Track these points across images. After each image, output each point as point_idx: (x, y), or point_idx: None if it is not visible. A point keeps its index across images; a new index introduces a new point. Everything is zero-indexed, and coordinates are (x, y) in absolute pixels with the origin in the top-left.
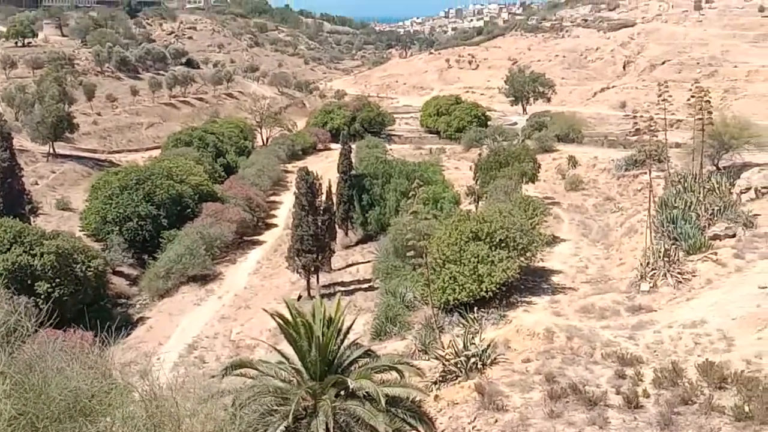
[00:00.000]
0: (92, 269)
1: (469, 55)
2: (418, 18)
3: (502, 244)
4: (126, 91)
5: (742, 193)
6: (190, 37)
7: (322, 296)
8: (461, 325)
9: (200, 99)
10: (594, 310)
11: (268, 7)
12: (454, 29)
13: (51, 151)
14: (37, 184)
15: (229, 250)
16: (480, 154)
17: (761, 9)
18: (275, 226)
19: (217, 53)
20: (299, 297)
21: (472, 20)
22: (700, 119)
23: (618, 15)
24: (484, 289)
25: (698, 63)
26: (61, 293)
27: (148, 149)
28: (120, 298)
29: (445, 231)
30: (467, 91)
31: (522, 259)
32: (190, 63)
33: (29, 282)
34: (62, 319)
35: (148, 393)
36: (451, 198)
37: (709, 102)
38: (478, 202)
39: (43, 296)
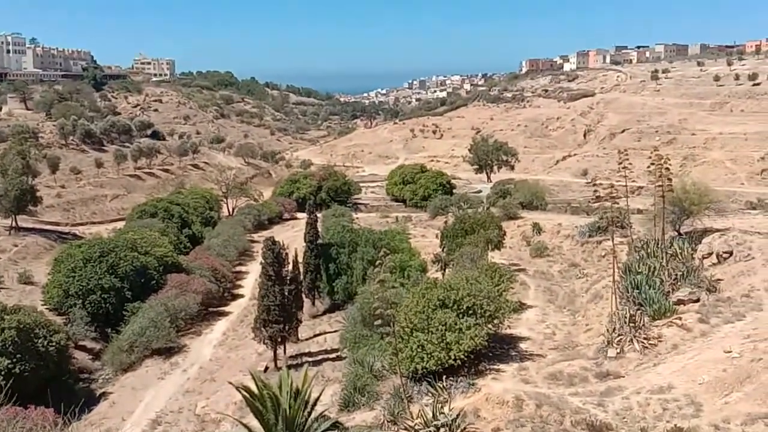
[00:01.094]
0: (54, 344)
1: (433, 124)
2: (382, 89)
3: (470, 312)
4: (90, 164)
5: (704, 258)
6: (155, 110)
7: (289, 367)
8: (430, 395)
9: (166, 170)
10: (562, 376)
11: (234, 79)
12: (418, 100)
13: (13, 224)
14: None
15: (194, 322)
16: (446, 222)
17: (716, 78)
18: (241, 296)
19: (183, 125)
20: (266, 368)
21: (435, 91)
22: (660, 186)
23: (577, 85)
24: (453, 357)
25: (657, 131)
26: (22, 369)
27: (112, 221)
28: (82, 372)
29: (412, 299)
30: (432, 160)
31: (490, 326)
32: (155, 135)
33: None
34: (23, 396)
35: None
36: (418, 266)
37: (669, 169)
38: (444, 270)
39: (3, 373)
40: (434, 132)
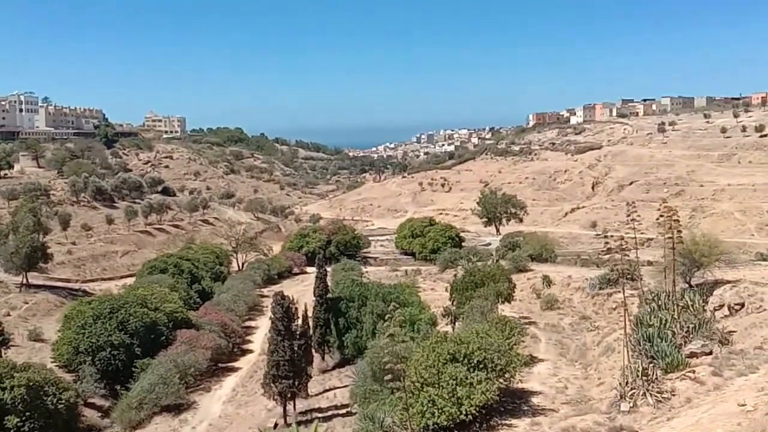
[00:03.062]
0: (63, 401)
1: (441, 178)
2: (390, 143)
3: (481, 366)
4: (101, 220)
5: (715, 310)
6: (166, 166)
7: (299, 423)
8: None
9: (176, 226)
10: (575, 431)
11: (244, 135)
12: (426, 154)
13: (24, 281)
14: (9, 315)
15: (203, 378)
16: (455, 275)
17: (723, 130)
18: (251, 351)
19: (193, 181)
20: (276, 425)
21: (443, 145)
22: (669, 238)
23: (584, 138)
24: (464, 412)
25: (665, 183)
26: (31, 427)
27: (122, 277)
28: (92, 430)
29: (422, 353)
30: (441, 213)
31: (501, 380)
32: (166, 191)
33: None
34: None
35: None
36: (428, 319)
37: (678, 221)
38: (454, 323)
39: (12, 431)
40: (443, 185)
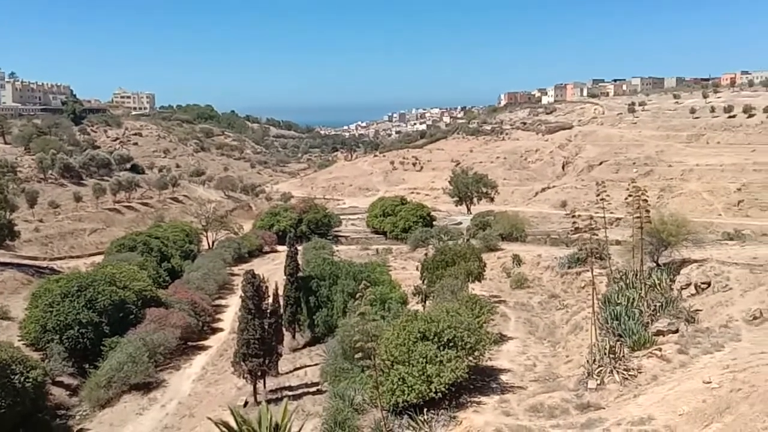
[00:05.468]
0: (31, 380)
1: (413, 157)
2: (362, 122)
3: (450, 344)
4: (69, 198)
5: (682, 289)
6: (135, 143)
7: (269, 401)
8: (411, 428)
9: (145, 204)
10: (543, 408)
11: (215, 112)
12: (398, 132)
13: None
14: None
15: (173, 357)
16: (426, 254)
17: (692, 111)
18: (221, 330)
19: (162, 158)
20: (245, 403)
21: (415, 124)
22: (638, 217)
23: (555, 118)
24: (434, 390)
25: (634, 163)
26: None
27: (91, 255)
28: (59, 409)
29: (393, 332)
30: (412, 192)
31: (470, 358)
32: (135, 168)
33: None
34: None
35: None
36: (399, 298)
37: (647, 200)
38: (425, 302)
39: None
40: (414, 164)
